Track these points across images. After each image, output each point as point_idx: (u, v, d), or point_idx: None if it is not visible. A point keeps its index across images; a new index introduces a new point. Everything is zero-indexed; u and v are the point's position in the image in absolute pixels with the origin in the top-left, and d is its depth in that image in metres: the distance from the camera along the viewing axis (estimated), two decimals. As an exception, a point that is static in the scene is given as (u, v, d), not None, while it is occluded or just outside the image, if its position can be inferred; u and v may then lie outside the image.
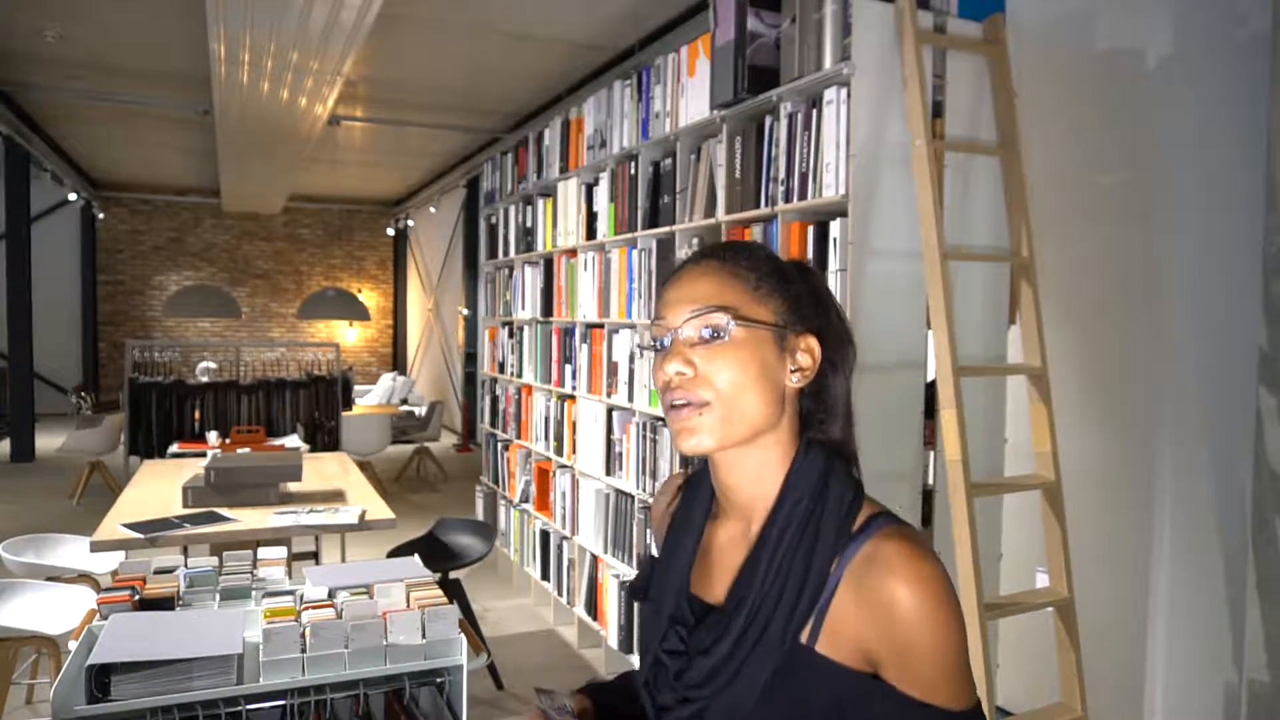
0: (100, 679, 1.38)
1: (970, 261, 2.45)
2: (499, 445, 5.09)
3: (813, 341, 0.89)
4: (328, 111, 6.65)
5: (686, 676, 0.86)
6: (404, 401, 10.56)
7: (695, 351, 0.85)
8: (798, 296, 0.89)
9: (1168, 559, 2.48)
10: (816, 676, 0.81)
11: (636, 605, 1.05)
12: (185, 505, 3.07)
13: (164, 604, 1.66)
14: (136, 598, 1.65)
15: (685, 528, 0.96)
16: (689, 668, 0.86)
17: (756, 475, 0.88)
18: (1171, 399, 2.48)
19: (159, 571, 1.79)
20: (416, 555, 2.09)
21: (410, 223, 13.13)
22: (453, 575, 3.53)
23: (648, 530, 3.24)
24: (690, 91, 3.01)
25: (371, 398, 10.85)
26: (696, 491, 0.98)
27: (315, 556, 4.38)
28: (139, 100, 7.41)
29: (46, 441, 9.20)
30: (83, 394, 9.93)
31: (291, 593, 1.72)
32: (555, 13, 5.08)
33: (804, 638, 0.81)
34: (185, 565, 1.81)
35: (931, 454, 2.47)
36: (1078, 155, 2.69)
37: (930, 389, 2.47)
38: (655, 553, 1.04)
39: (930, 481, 2.47)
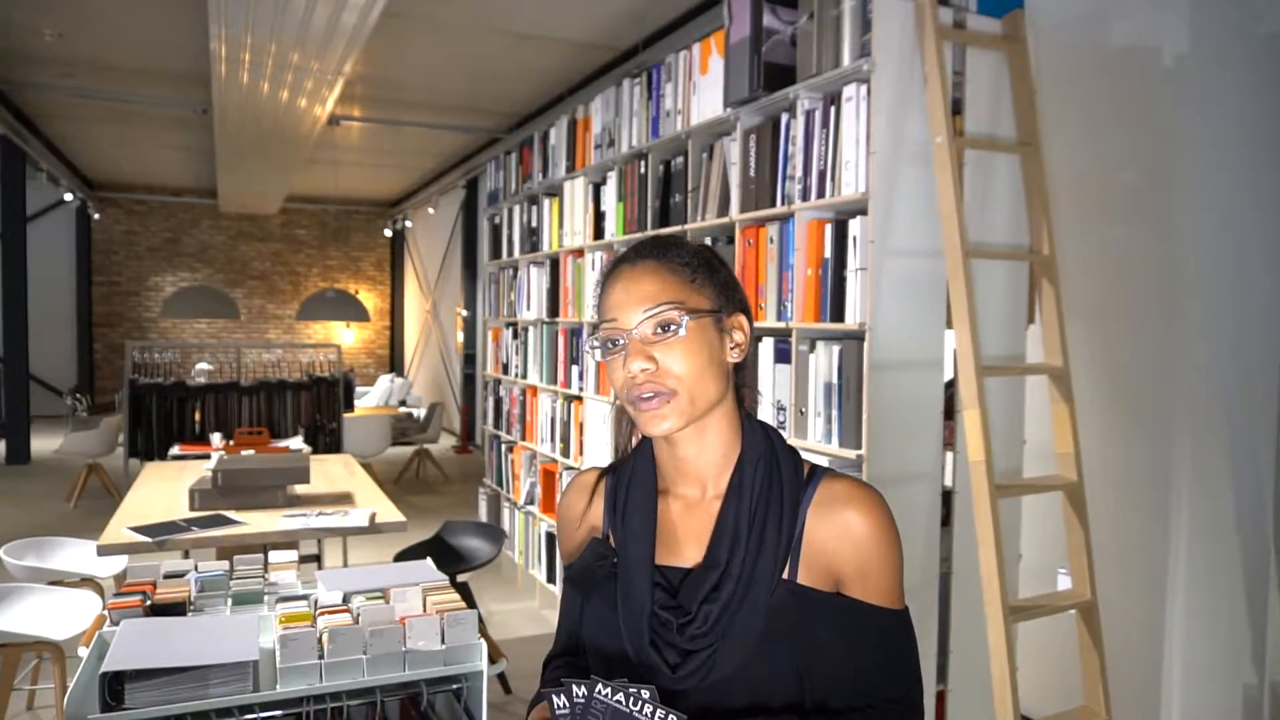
0: (114, 686, 1.34)
1: (990, 260, 2.42)
2: (502, 447, 5.05)
3: (743, 319, 1.00)
4: (327, 112, 6.60)
5: (690, 629, 0.93)
6: (402, 403, 10.52)
7: (653, 347, 0.94)
8: (725, 281, 1.00)
9: (1187, 560, 2.45)
10: (802, 603, 0.93)
11: (575, 592, 1.05)
12: (192, 508, 3.02)
13: (175, 609, 1.62)
14: (148, 603, 1.61)
15: (636, 508, 1.02)
16: (693, 619, 0.93)
17: (712, 443, 0.99)
18: (1192, 399, 2.46)
19: (169, 576, 1.75)
20: (429, 559, 2.06)
21: (408, 224, 13.07)
22: (460, 578, 3.49)
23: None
24: (702, 89, 2.98)
25: (369, 399, 10.80)
26: (631, 477, 1.04)
27: (317, 560, 4.33)
28: (137, 99, 7.35)
29: (42, 444, 9.13)
30: (78, 396, 9.85)
31: (305, 597, 1.68)
32: (556, 12, 5.04)
33: (785, 574, 0.94)
34: (195, 569, 1.77)
35: (950, 455, 2.44)
36: (1097, 152, 2.67)
37: (949, 389, 2.44)
38: (559, 552, 1.10)
39: (949, 482, 2.44)
